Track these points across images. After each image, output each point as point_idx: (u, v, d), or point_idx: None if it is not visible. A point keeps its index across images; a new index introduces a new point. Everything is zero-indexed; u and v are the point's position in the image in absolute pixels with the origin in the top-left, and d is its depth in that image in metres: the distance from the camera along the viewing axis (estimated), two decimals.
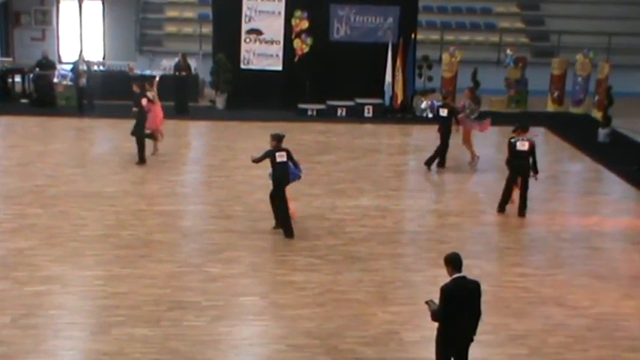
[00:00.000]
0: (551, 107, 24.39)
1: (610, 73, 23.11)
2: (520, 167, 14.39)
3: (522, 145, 14.29)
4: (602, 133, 20.68)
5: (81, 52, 23.38)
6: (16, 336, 9.61)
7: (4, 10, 28.02)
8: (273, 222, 13.79)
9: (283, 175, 13.15)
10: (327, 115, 22.36)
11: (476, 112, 18.22)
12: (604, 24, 27.31)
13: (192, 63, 23.31)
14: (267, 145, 19.08)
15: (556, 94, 24.37)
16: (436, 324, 8.05)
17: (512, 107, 24.19)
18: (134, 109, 17.13)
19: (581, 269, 12.41)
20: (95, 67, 23.43)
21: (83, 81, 21.77)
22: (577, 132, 21.11)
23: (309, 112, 22.47)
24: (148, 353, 9.33)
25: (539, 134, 14.87)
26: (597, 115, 22.61)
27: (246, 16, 22.77)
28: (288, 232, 13.13)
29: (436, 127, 17.81)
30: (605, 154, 19.19)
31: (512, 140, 14.46)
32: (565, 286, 11.73)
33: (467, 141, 17.99)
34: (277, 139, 13.16)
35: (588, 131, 21.01)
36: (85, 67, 22.24)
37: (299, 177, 13.68)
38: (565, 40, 26.88)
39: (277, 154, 13.06)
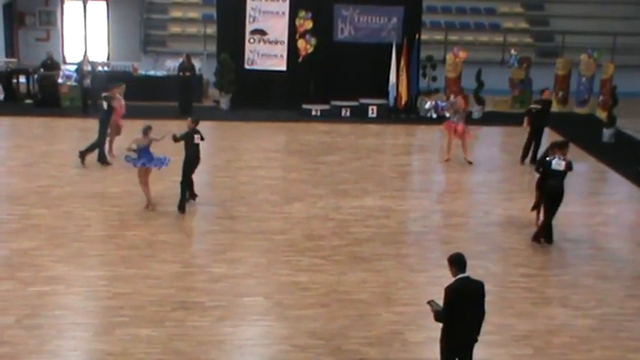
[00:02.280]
0: (555, 107, 24.33)
1: (614, 73, 23.07)
2: (550, 188, 12.92)
3: (559, 165, 12.83)
4: (606, 133, 20.66)
5: (85, 52, 23.40)
6: (20, 336, 9.62)
7: (9, 10, 28.08)
8: (275, 222, 13.81)
9: (197, 156, 14.32)
10: (331, 116, 22.36)
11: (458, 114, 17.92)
12: (608, 24, 27.28)
13: (197, 63, 23.33)
14: (270, 145, 19.22)
15: (560, 94, 24.35)
16: (440, 324, 8.05)
17: (517, 107, 24.15)
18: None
19: (585, 270, 12.38)
20: (99, 68, 23.47)
21: (87, 82, 21.79)
22: (581, 132, 21.07)
23: (313, 113, 22.47)
24: (152, 353, 9.33)
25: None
26: (602, 115, 22.56)
27: (250, 16, 22.78)
28: (182, 208, 14.21)
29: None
30: (609, 154, 19.16)
31: (548, 159, 13.04)
32: (569, 286, 11.71)
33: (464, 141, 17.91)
34: (197, 121, 14.36)
35: (593, 131, 20.98)
36: (89, 68, 22.27)
37: (167, 164, 14.45)
38: (569, 41, 26.84)
39: (195, 135, 14.10)
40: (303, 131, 20.78)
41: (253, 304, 10.78)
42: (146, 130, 14.22)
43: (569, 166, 12.92)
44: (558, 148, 13.12)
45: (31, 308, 10.34)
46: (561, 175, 12.89)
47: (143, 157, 14.11)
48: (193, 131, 14.13)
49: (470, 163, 17.75)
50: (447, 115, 18.15)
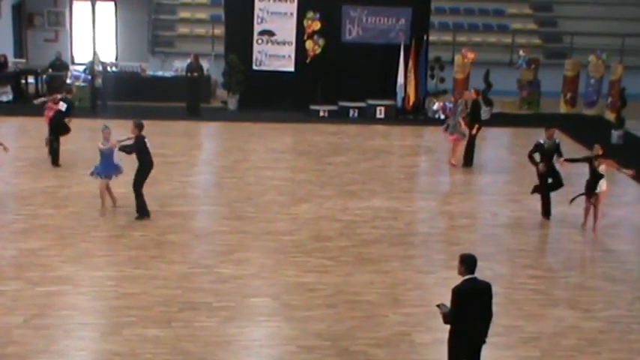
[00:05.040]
0: (563, 109, 24.33)
1: (623, 74, 23.02)
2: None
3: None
4: (615, 134, 20.60)
5: (95, 53, 23.44)
6: (28, 336, 9.64)
7: (18, 11, 28.18)
8: (283, 223, 13.81)
9: (152, 161, 13.67)
10: (339, 116, 22.36)
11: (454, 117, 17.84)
12: (617, 25, 27.20)
13: (205, 64, 23.36)
14: (278, 146, 19.23)
15: (569, 95, 24.30)
16: (448, 326, 8.03)
17: (525, 109, 24.13)
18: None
19: (593, 271, 12.35)
20: (109, 68, 23.52)
21: (99, 82, 21.86)
22: (590, 134, 20.99)
23: (321, 113, 22.48)
24: (159, 354, 9.34)
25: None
26: (610, 116, 22.52)
27: (258, 17, 22.80)
28: (145, 213, 13.71)
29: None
30: (618, 155, 19.01)
31: (540, 141, 14.45)
32: (578, 288, 11.67)
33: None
34: (141, 127, 13.51)
35: (601, 133, 20.89)
36: (100, 68, 22.33)
37: (121, 171, 14.02)
38: (578, 42, 26.79)
39: (146, 140, 13.50)
40: (310, 132, 20.79)
41: (260, 305, 10.78)
42: (107, 132, 13.87)
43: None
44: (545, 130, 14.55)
45: (38, 308, 10.36)
46: (549, 155, 14.24)
47: (107, 165, 13.87)
48: (142, 137, 13.43)
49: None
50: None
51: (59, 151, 16.90)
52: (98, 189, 14.07)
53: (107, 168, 13.89)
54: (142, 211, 13.69)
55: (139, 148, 13.45)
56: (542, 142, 14.33)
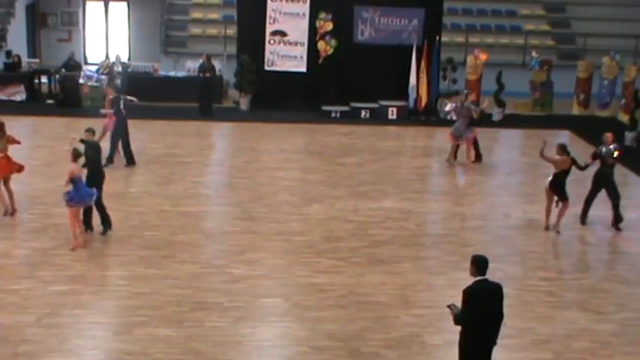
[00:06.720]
0: (576, 110, 24.23)
1: (637, 76, 22.90)
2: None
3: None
4: (628, 136, 20.50)
5: (107, 53, 23.56)
6: (40, 335, 9.69)
7: (32, 11, 28.33)
8: (294, 223, 13.81)
9: (101, 169, 13.31)
10: (351, 117, 22.35)
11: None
12: (631, 26, 27.07)
13: (217, 64, 23.41)
14: (289, 146, 19.23)
15: (582, 97, 24.20)
16: (459, 327, 8.02)
17: (537, 110, 24.05)
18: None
19: (606, 273, 12.29)
20: (128, 69, 23.58)
21: (117, 82, 21.92)
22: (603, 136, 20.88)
23: (333, 114, 22.47)
24: (171, 353, 9.36)
25: None
26: (624, 118, 22.41)
27: (270, 17, 22.82)
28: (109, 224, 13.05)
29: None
30: (631, 157, 18.97)
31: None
32: (590, 290, 11.63)
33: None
34: (93, 132, 13.29)
35: (614, 135, 20.77)
36: (119, 69, 22.39)
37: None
38: (591, 43, 26.67)
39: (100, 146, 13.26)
40: (322, 133, 20.79)
41: (272, 305, 10.79)
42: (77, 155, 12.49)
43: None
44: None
45: (51, 307, 10.40)
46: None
47: (82, 191, 12.39)
48: (95, 142, 13.08)
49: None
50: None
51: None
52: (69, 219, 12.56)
53: (82, 194, 12.38)
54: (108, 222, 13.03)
55: (91, 154, 12.88)
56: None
